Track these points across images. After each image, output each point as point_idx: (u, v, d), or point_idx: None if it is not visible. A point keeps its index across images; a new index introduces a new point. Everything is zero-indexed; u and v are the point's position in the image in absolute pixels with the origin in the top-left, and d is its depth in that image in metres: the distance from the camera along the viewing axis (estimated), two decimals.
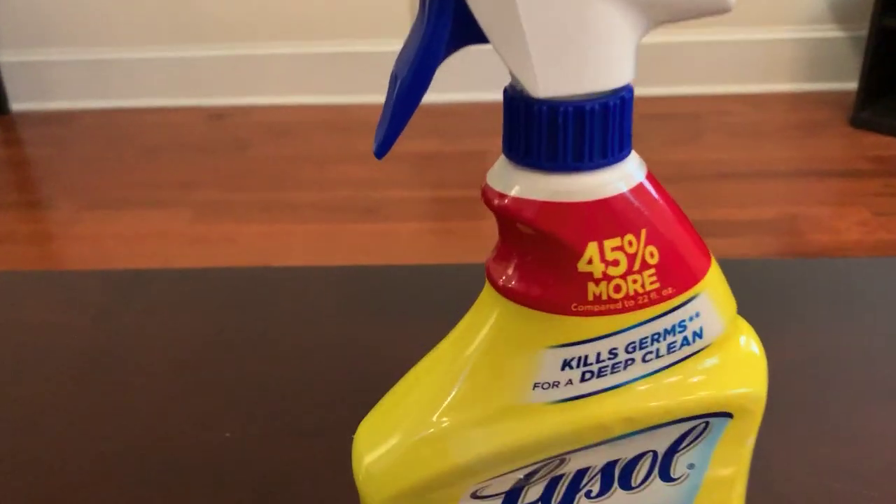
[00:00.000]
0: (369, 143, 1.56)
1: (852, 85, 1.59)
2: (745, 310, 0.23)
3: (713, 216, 1.26)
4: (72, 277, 0.50)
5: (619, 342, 0.20)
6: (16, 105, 1.80)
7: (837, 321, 0.41)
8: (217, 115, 1.70)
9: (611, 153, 0.19)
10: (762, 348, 0.23)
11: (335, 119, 1.65)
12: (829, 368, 0.38)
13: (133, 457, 0.35)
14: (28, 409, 0.38)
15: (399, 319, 0.43)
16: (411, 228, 1.31)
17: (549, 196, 0.19)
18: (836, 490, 0.32)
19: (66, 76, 1.80)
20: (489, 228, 1.32)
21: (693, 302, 0.21)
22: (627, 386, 0.21)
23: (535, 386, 0.21)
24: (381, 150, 0.19)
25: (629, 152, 0.20)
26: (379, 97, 1.79)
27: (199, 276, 0.48)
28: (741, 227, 1.23)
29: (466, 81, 1.64)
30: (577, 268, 0.20)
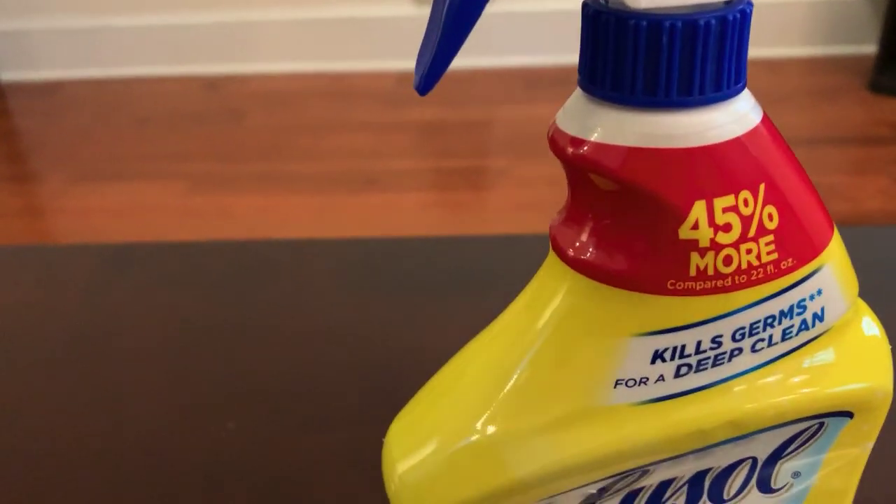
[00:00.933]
0: (369, 112, 1.51)
1: (871, 48, 1.54)
2: None
3: None
4: (53, 253, 0.46)
5: (726, 328, 0.16)
6: (2, 75, 1.75)
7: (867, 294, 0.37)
8: (211, 85, 1.65)
9: (726, 85, 0.15)
10: (884, 332, 0.19)
11: (333, 87, 1.60)
12: None
13: (119, 453, 0.31)
14: (2, 399, 0.34)
15: (411, 296, 0.39)
16: (414, 200, 1.27)
17: (644, 141, 0.15)
18: None
19: (54, 45, 1.74)
20: (496, 200, 1.27)
21: (815, 277, 0.16)
22: (731, 382, 0.17)
23: (618, 383, 0.17)
24: (427, 83, 0.15)
25: (744, 86, 0.16)
26: (379, 64, 1.73)
27: (191, 251, 0.44)
28: None
29: (470, 45, 1.58)
30: (678, 234, 0.15)
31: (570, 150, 0.16)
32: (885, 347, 0.18)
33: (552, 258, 0.18)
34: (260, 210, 1.25)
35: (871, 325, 0.18)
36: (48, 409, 0.33)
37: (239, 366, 0.35)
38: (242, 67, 1.68)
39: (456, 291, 0.39)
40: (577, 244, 0.17)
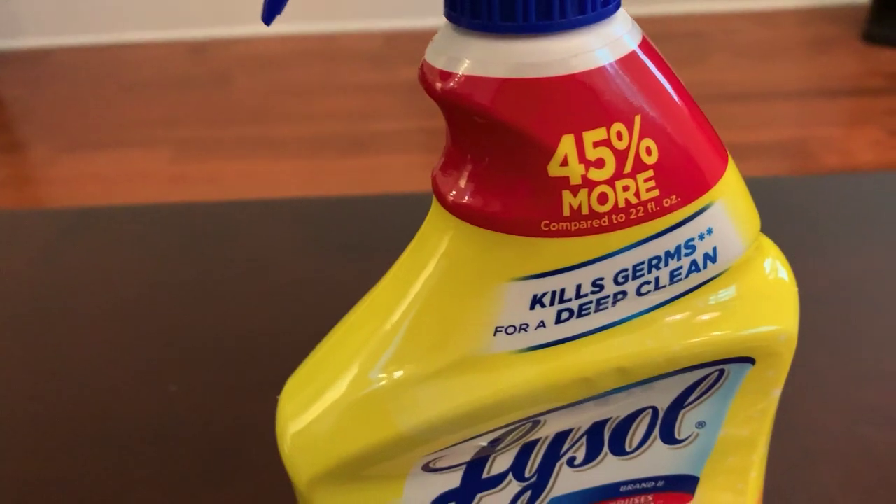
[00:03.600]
0: (357, 73, 1.49)
1: None
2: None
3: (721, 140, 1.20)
4: (11, 217, 0.45)
5: (606, 270, 0.15)
6: None
7: (861, 244, 0.36)
8: (197, 49, 1.63)
9: (591, 6, 0.14)
10: (792, 275, 0.18)
11: (321, 49, 1.58)
12: (860, 297, 0.34)
13: (66, 414, 0.31)
14: None
15: (370, 255, 0.38)
16: (403, 162, 1.25)
17: (510, 72, 0.14)
18: (869, 436, 0.28)
19: (38, 12, 1.72)
20: None
21: (704, 214, 0.15)
22: (618, 327, 0.16)
23: (497, 331, 0.16)
24: (269, 13, 0.14)
25: (617, 6, 0.15)
26: (367, 24, 1.70)
27: (150, 214, 0.44)
28: (750, 150, 1.17)
29: None
30: (547, 171, 0.14)
31: (438, 85, 0.15)
32: (791, 290, 0.17)
33: (436, 205, 0.17)
34: (247, 175, 1.24)
35: (775, 267, 0.17)
36: None
37: (189, 328, 0.35)
38: (229, 31, 1.66)
39: None
40: (456, 188, 0.16)
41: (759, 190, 0.40)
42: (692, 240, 0.15)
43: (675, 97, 0.15)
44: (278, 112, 1.38)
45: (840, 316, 0.33)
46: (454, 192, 0.16)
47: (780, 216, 0.38)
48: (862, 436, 0.28)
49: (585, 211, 0.15)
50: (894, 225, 0.37)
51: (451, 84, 0.15)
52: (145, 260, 0.39)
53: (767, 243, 0.18)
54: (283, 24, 1.65)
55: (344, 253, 0.38)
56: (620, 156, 0.14)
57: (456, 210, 0.16)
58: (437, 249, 0.16)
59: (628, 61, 0.14)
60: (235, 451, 0.29)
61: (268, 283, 0.37)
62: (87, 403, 0.31)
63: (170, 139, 1.33)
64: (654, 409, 0.18)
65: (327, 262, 0.38)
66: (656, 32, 1.46)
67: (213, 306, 0.36)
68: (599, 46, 0.14)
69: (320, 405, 0.18)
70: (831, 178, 0.42)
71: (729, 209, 0.16)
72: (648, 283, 0.16)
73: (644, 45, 0.15)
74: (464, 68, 0.15)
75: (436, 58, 0.15)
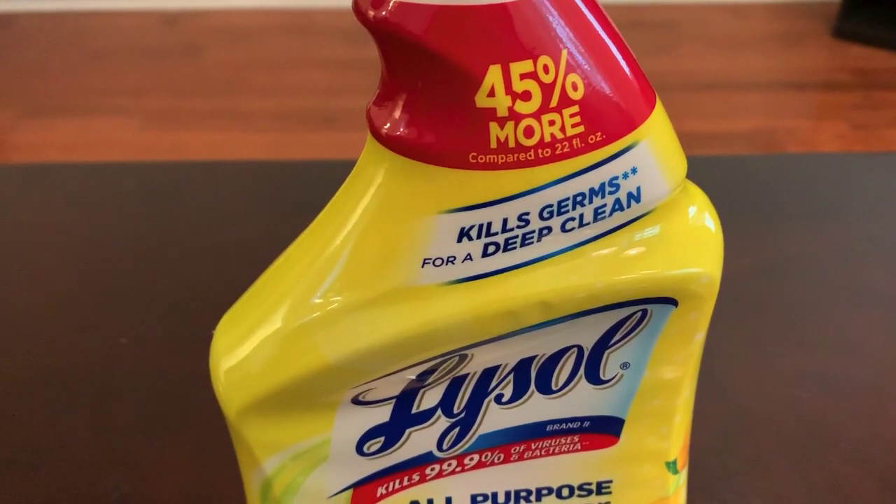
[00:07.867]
0: (329, 49, 1.48)
1: None
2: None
3: (689, 128, 1.21)
4: None
5: (532, 205, 0.16)
6: None
7: (813, 220, 0.37)
8: (169, 19, 1.60)
9: None
10: (718, 223, 0.18)
11: (294, 23, 1.56)
12: (803, 270, 0.34)
13: (11, 367, 0.30)
14: None
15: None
16: None
17: None
18: (804, 400, 0.29)
19: None
20: None
21: (629, 153, 0.16)
22: (542, 262, 0.16)
23: (425, 262, 0.16)
24: None
25: None
26: (340, 0, 1.69)
27: (102, 171, 0.43)
28: (718, 139, 1.18)
29: None
30: (474, 102, 0.15)
31: (371, 13, 0.15)
32: (716, 238, 0.18)
33: (370, 140, 0.17)
34: (215, 146, 1.23)
35: (699, 213, 0.18)
36: None
37: (140, 282, 0.35)
38: (201, 2, 1.64)
39: None
40: (389, 121, 0.16)
41: (722, 167, 0.41)
42: (616, 178, 0.16)
43: (604, 36, 0.15)
44: (249, 85, 1.37)
45: (786, 288, 0.34)
46: (388, 125, 0.16)
47: (737, 192, 0.39)
48: (795, 399, 0.29)
49: (512, 144, 0.15)
50: (845, 204, 0.38)
51: (384, 12, 0.15)
52: (94, 215, 0.39)
53: (695, 190, 0.18)
54: None
55: (299, 213, 0.38)
56: (547, 89, 0.15)
57: (389, 142, 0.16)
58: (372, 182, 0.17)
59: None
60: (183, 402, 0.29)
61: (222, 239, 0.37)
62: (33, 356, 0.31)
63: (138, 108, 1.31)
64: (580, 348, 0.18)
65: (282, 220, 0.38)
66: (628, 20, 1.46)
67: (165, 261, 0.36)
68: None
69: (253, 339, 0.18)
70: (791, 157, 0.43)
71: (654, 150, 0.16)
72: (573, 219, 0.16)
73: None
74: None
75: None
